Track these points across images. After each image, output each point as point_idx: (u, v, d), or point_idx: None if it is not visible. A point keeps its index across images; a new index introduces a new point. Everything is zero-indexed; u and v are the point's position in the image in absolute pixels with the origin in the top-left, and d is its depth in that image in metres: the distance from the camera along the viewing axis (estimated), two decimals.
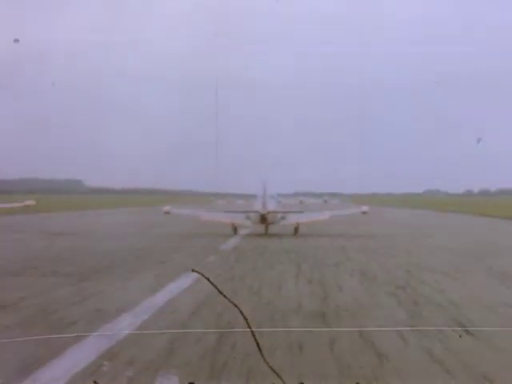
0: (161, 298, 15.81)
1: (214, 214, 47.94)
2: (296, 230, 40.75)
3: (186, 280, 18.44)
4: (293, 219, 42.33)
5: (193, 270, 4.76)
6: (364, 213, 52.06)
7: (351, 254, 28.45)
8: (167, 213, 52.40)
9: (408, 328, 12.13)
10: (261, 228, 41.33)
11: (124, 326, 12.29)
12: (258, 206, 43.11)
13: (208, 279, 4.71)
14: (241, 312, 4.66)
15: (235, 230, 40.94)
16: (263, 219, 41.01)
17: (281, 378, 5.04)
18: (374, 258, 26.49)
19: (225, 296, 4.71)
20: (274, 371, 4.98)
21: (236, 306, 4.69)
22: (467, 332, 11.80)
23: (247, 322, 4.64)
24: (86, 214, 73.87)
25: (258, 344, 4.72)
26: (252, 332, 4.70)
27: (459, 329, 12.11)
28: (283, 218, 42.66)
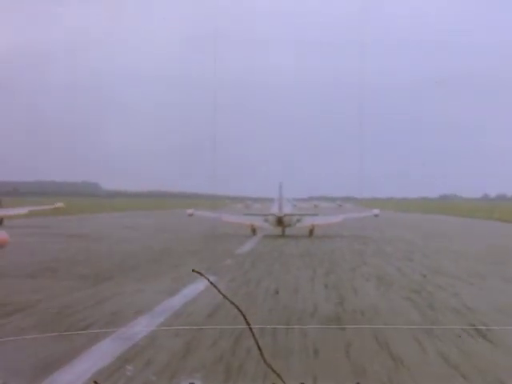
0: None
1: (234, 216, 50.06)
2: (311, 231, 42.81)
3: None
4: (308, 222, 44.39)
5: (193, 271, 4.80)
6: (376, 215, 55.45)
7: (366, 257, 28.91)
8: (190, 215, 56.15)
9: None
10: (278, 230, 43.20)
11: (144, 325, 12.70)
12: (275, 210, 45.93)
13: (208, 279, 4.76)
14: (241, 313, 4.70)
15: (254, 231, 43.21)
16: (280, 222, 43.23)
17: (281, 378, 5.07)
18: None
19: (225, 297, 4.76)
20: (275, 371, 5.01)
21: (237, 307, 4.73)
22: None
23: (247, 322, 4.69)
24: (115, 217, 76.07)
25: (258, 344, 4.76)
26: (252, 333, 4.74)
27: None
28: (299, 221, 44.48)
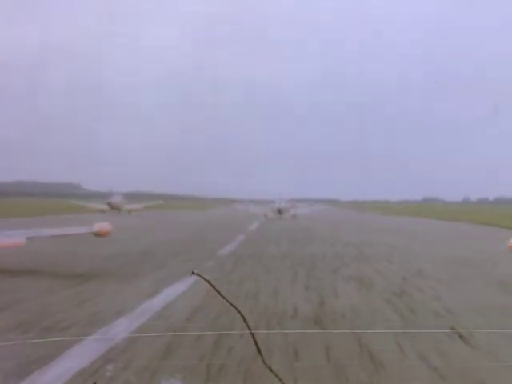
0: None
1: (255, 208, 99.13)
2: (294, 216, 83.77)
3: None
4: (292, 211, 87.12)
5: (193, 273, 4.76)
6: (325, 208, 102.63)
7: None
8: (234, 207, 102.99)
9: None
10: (277, 216, 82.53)
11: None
12: (276, 204, 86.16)
13: (208, 281, 4.71)
14: (241, 314, 4.65)
15: (266, 215, 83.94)
16: (279, 211, 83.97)
17: (281, 381, 5.03)
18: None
19: (224, 297, 4.71)
20: (275, 374, 4.97)
21: (236, 307, 4.68)
22: None
23: (247, 324, 4.64)
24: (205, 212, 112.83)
25: (257, 346, 4.71)
26: (252, 334, 4.69)
27: None
28: (288, 211, 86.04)
